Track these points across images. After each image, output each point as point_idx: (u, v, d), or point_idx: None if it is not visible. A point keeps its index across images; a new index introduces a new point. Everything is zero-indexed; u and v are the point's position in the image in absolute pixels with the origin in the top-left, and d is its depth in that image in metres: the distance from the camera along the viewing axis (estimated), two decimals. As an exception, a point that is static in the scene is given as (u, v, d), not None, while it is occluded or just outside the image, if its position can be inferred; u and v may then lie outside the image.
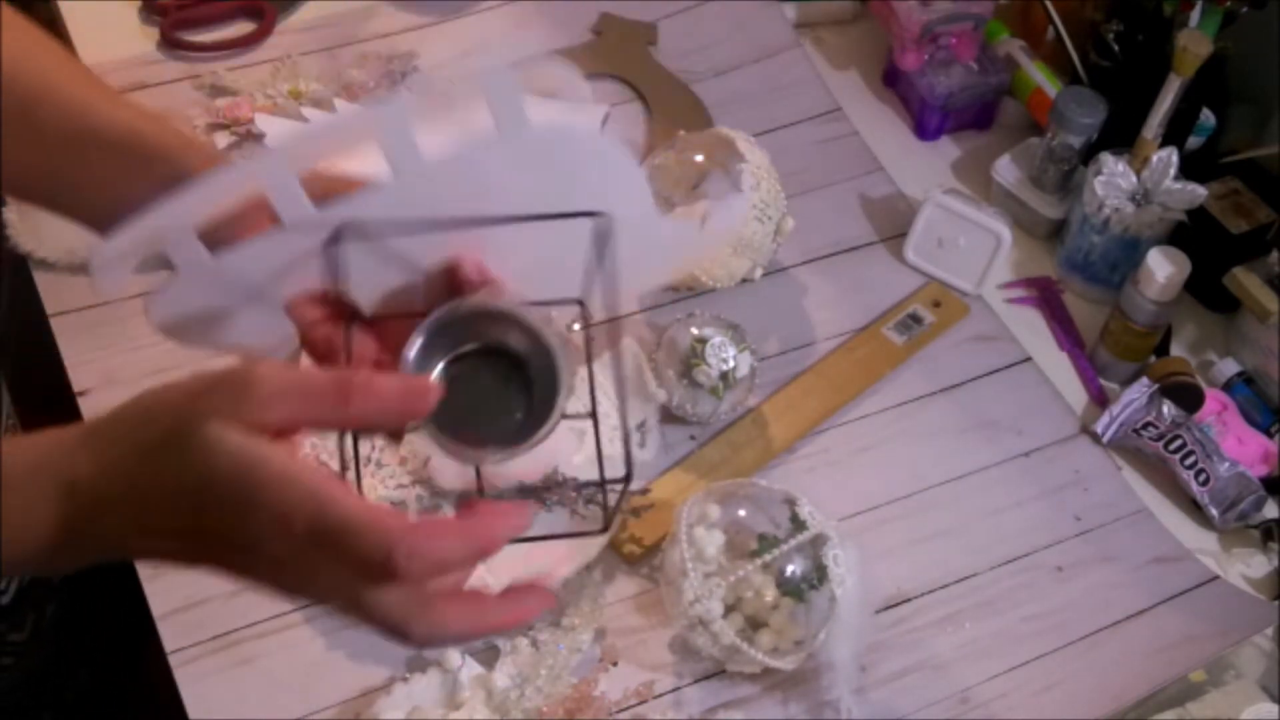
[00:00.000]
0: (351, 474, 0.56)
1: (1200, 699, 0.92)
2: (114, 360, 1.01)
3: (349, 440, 0.56)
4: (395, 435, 0.61)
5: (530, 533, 0.64)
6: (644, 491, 0.98)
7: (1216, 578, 1.00)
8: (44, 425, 0.55)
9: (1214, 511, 1.02)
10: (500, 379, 0.60)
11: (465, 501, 0.55)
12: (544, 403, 0.59)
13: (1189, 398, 1.06)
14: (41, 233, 1.04)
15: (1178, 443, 1.03)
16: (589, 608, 0.92)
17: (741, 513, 0.91)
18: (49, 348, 1.02)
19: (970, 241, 1.12)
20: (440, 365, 0.59)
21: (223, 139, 1.10)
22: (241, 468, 0.49)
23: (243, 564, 0.53)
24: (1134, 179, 1.10)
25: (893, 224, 1.18)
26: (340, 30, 1.25)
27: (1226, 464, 1.02)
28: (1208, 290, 1.13)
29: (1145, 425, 1.05)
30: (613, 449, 0.99)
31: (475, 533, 0.52)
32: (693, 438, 1.03)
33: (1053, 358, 1.12)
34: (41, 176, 0.64)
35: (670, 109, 1.23)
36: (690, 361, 1.00)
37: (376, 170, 0.58)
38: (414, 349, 0.58)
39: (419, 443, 0.94)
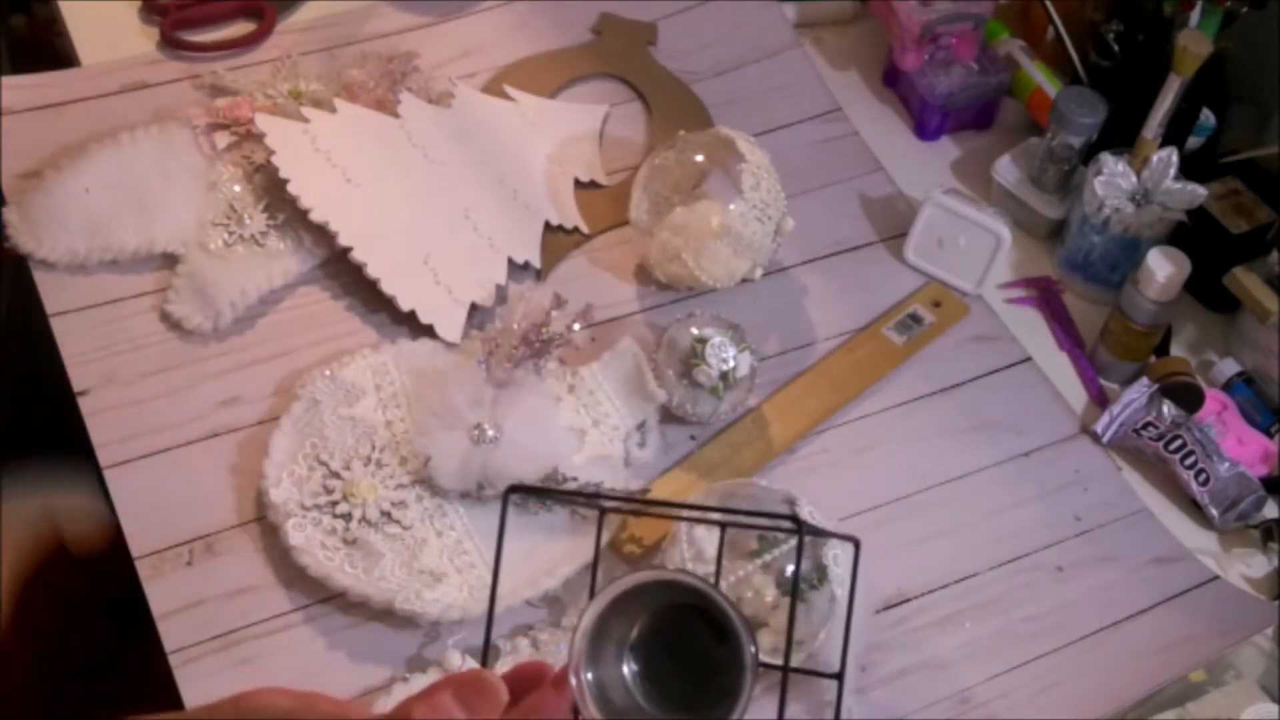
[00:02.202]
0: None
1: (1200, 699, 0.92)
2: (114, 360, 1.01)
3: None
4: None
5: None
6: (644, 491, 0.98)
7: (1216, 578, 1.00)
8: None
9: (1214, 511, 1.02)
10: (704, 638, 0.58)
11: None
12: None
13: (1189, 398, 1.06)
14: (42, 233, 1.04)
15: (1178, 443, 1.03)
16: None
17: (741, 513, 0.91)
18: (49, 348, 1.02)
19: (970, 241, 1.12)
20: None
21: (223, 139, 1.10)
22: None
23: None
24: (1134, 179, 1.10)
25: (893, 224, 1.18)
26: (340, 30, 1.24)
27: (1226, 464, 1.02)
28: (1208, 290, 1.13)
29: (1145, 425, 1.05)
30: (613, 449, 0.99)
31: None
32: (693, 438, 1.03)
33: (1053, 358, 1.12)
34: None
35: (670, 109, 1.23)
36: (690, 361, 1.00)
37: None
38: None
39: (419, 442, 0.94)
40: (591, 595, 0.57)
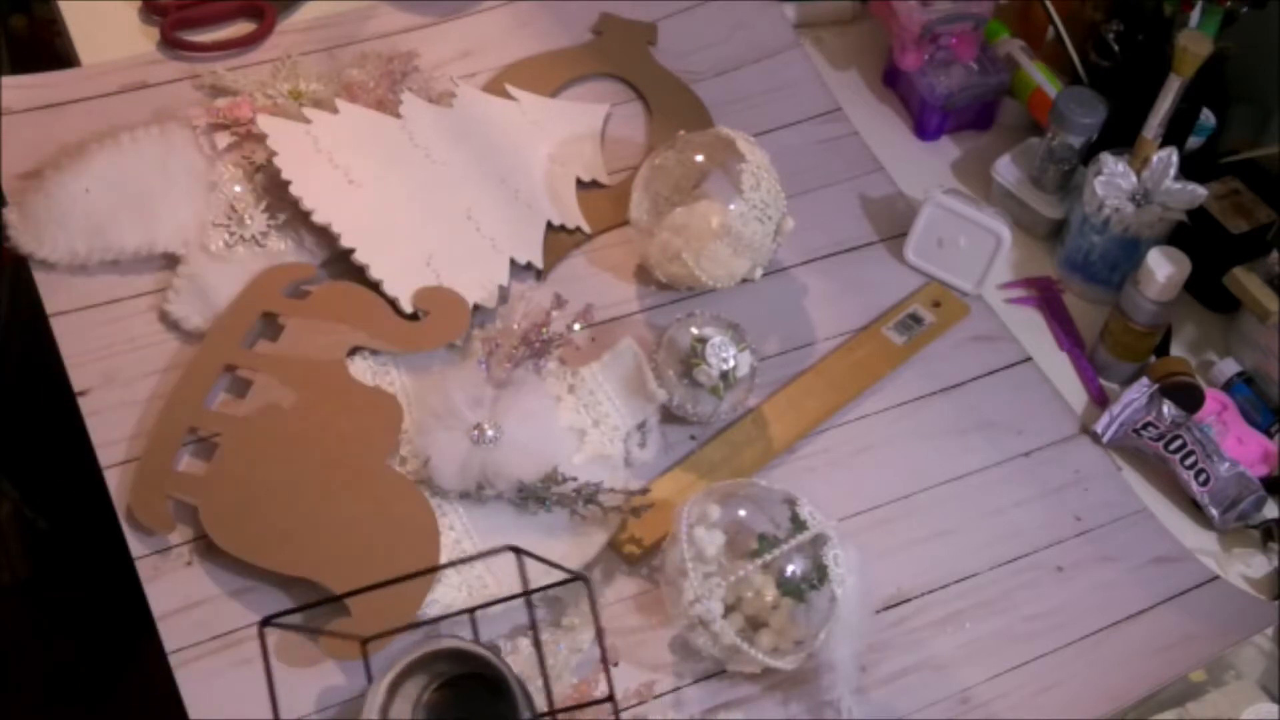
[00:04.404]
0: None
1: (1200, 699, 0.92)
2: (114, 360, 1.01)
3: None
4: None
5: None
6: (644, 491, 0.98)
7: (1216, 578, 1.00)
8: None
9: (1214, 511, 1.02)
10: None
11: None
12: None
13: (1189, 398, 1.06)
14: (42, 233, 1.04)
15: (1178, 443, 1.03)
16: (589, 608, 0.92)
17: (742, 513, 0.91)
18: (49, 348, 1.02)
19: (970, 241, 1.12)
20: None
21: (223, 139, 1.10)
22: None
23: None
24: (1134, 179, 1.10)
25: (893, 224, 1.18)
26: (340, 30, 1.25)
27: (1226, 464, 1.02)
28: (1208, 290, 1.13)
29: (1145, 425, 1.05)
30: (613, 449, 0.99)
31: None
32: (693, 438, 1.03)
33: (1053, 358, 1.12)
34: None
35: (670, 109, 1.23)
36: (690, 361, 1.00)
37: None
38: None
39: (419, 442, 0.94)
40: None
